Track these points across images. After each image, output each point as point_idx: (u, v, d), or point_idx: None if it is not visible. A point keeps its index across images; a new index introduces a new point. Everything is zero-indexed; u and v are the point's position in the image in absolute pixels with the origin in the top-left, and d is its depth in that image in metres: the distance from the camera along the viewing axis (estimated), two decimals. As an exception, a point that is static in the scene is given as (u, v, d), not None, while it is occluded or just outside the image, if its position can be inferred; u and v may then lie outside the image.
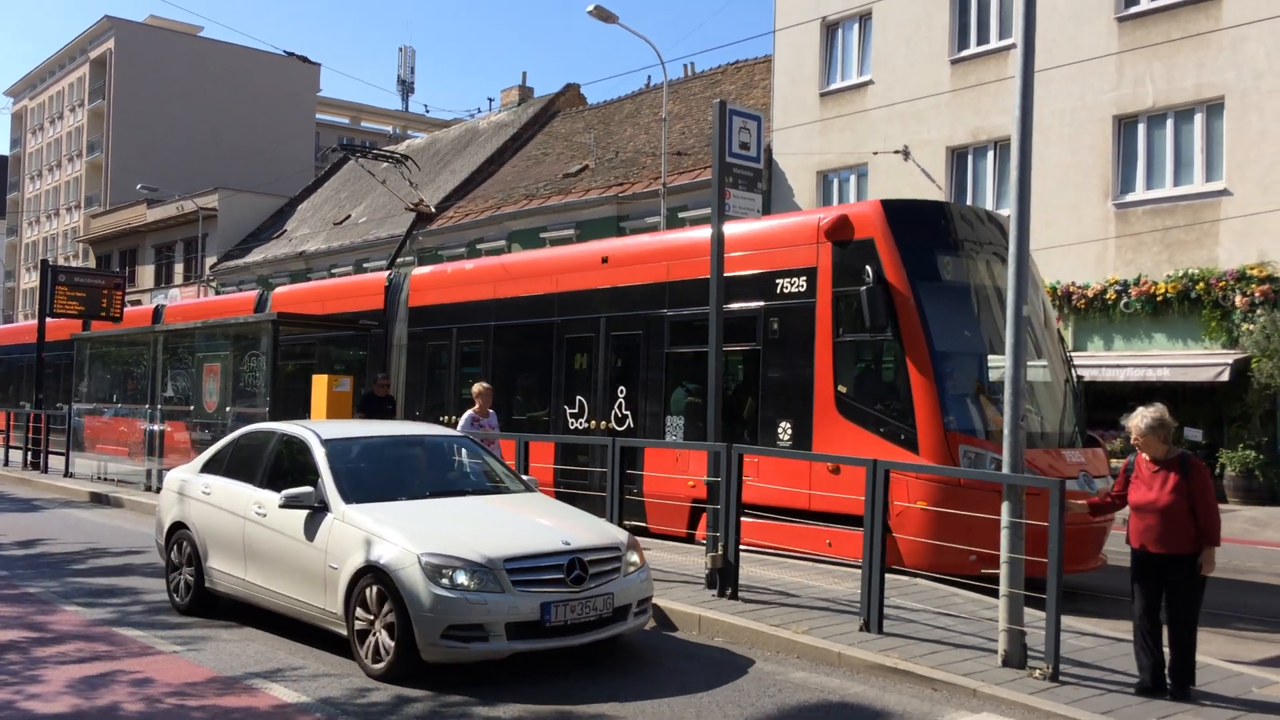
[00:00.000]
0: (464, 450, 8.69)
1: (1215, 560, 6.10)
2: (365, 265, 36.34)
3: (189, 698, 6.16)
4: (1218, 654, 7.38)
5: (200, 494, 8.45)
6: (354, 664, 6.82)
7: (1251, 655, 7.66)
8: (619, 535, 7.26)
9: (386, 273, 17.13)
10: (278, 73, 47.65)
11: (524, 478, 8.54)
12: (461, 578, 6.35)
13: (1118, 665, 6.77)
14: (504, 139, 36.57)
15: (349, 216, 40.17)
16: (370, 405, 13.94)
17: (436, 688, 6.28)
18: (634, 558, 7.09)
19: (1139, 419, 6.36)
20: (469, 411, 11.86)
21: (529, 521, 7.36)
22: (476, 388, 11.97)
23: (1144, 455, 6.37)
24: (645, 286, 12.24)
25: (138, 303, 45.11)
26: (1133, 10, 19.30)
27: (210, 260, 45.33)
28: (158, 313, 22.54)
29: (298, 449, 7.94)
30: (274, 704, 6.08)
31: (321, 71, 60.50)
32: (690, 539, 11.25)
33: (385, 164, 22.30)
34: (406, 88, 67.18)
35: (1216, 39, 18.09)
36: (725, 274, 9.78)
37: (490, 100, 68.65)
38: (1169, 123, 18.91)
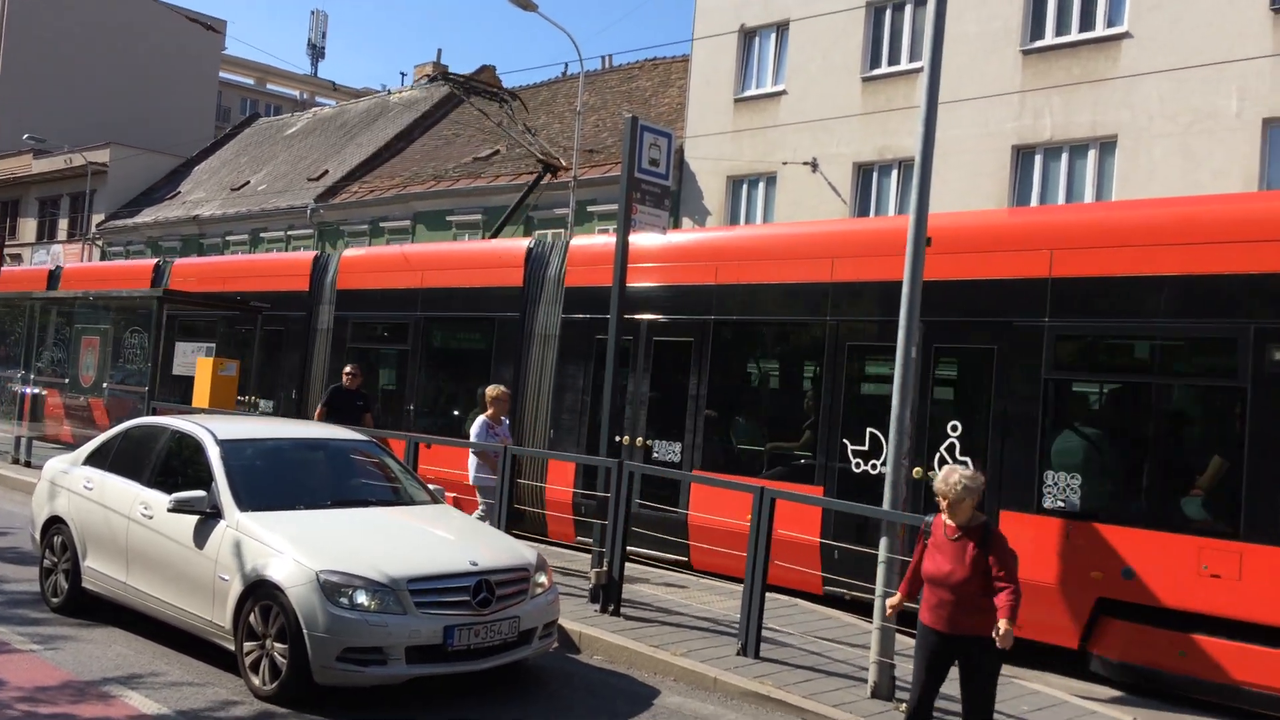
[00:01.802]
0: (369, 456, 8.49)
1: (1012, 638, 5.34)
2: (262, 235, 35.44)
3: (40, 704, 5.99)
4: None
5: (81, 488, 8.17)
6: (220, 672, 6.73)
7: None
8: (528, 555, 7.17)
9: (526, 241, 13.92)
10: (182, 27, 46.01)
11: (430, 488, 8.41)
12: (361, 598, 6.23)
13: (978, 698, 7.10)
14: (414, 116, 35.98)
15: (248, 183, 39.07)
16: (338, 401, 11.99)
17: (324, 711, 6.19)
18: (542, 578, 7.05)
19: (953, 478, 5.63)
20: (481, 417, 10.35)
21: (435, 538, 7.23)
22: (491, 390, 10.49)
23: (945, 519, 5.73)
24: (1002, 284, 8.96)
25: (18, 258, 43.12)
26: (1037, 44, 19.96)
27: (98, 218, 43.59)
28: (159, 271, 18.99)
29: (190, 447, 7.72)
30: (130, 714, 5.96)
31: (228, 29, 58.55)
32: (1082, 654, 8.26)
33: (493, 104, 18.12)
34: (317, 53, 65.41)
35: (1113, 80, 18.86)
36: (1178, 273, 7.65)
37: (403, 75, 67.22)
38: (1064, 156, 19.64)
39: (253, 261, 21.90)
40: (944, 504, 5.67)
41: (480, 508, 10.14)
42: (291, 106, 61.58)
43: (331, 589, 6.24)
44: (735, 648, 7.71)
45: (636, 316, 11.35)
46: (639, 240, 10.57)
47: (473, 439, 10.26)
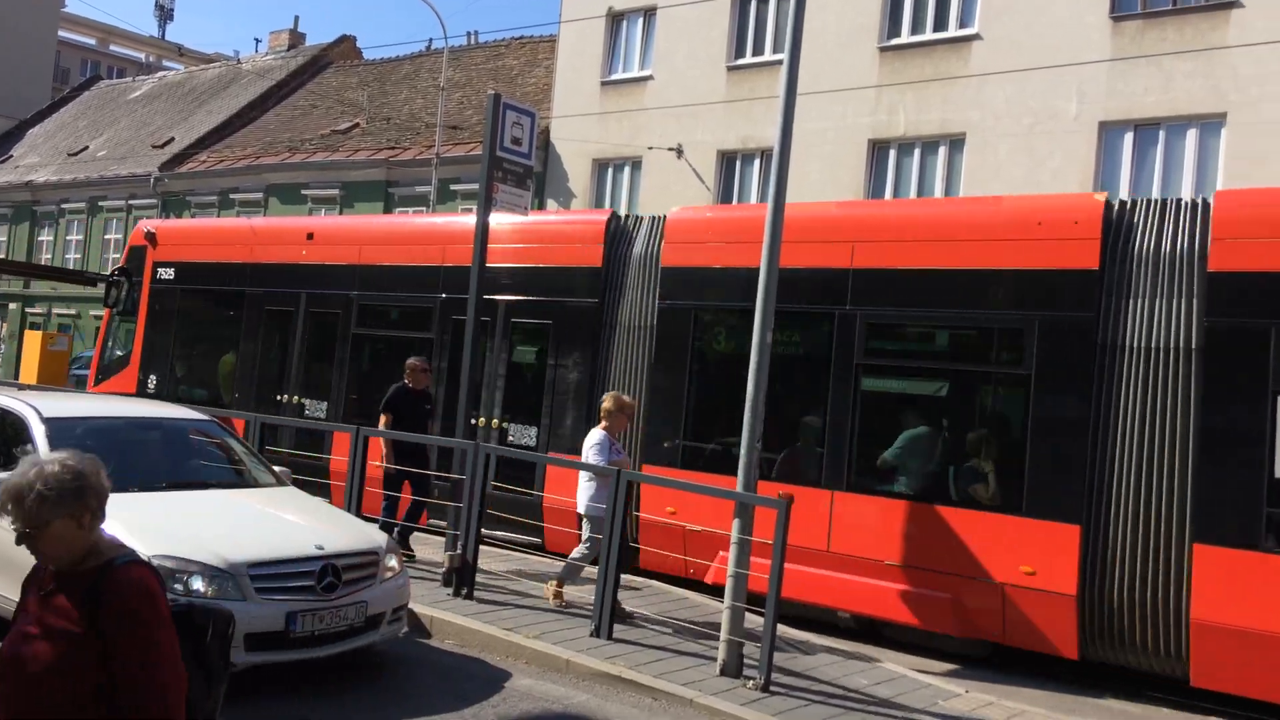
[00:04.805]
0: (210, 436, 8.14)
1: None
2: (101, 204, 33.65)
3: None
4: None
5: (-115, 468, 7.57)
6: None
7: None
8: (378, 538, 7.04)
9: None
10: (15, -21, 43.18)
11: (276, 469, 8.12)
12: (197, 584, 5.99)
13: (825, 675, 7.30)
14: (269, 85, 34.63)
15: (87, 148, 36.96)
16: (400, 403, 9.78)
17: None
18: (392, 562, 6.93)
19: (33, 482, 2.83)
20: (598, 431, 8.60)
21: (280, 521, 7.02)
22: (611, 399, 8.74)
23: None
24: None
25: None
26: (894, 42, 20.56)
27: (-82, 179, 40.51)
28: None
29: (13, 426, 7.26)
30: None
31: (67, -17, 55.06)
32: None
33: None
34: (165, 14, 62.22)
35: (964, 79, 19.58)
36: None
37: (257, 41, 64.60)
38: (916, 151, 20.31)
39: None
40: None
41: (584, 545, 8.42)
42: (136, 70, 58.50)
43: (165, 574, 5.94)
44: (589, 629, 7.71)
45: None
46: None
47: (591, 458, 8.40)
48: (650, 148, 23.20)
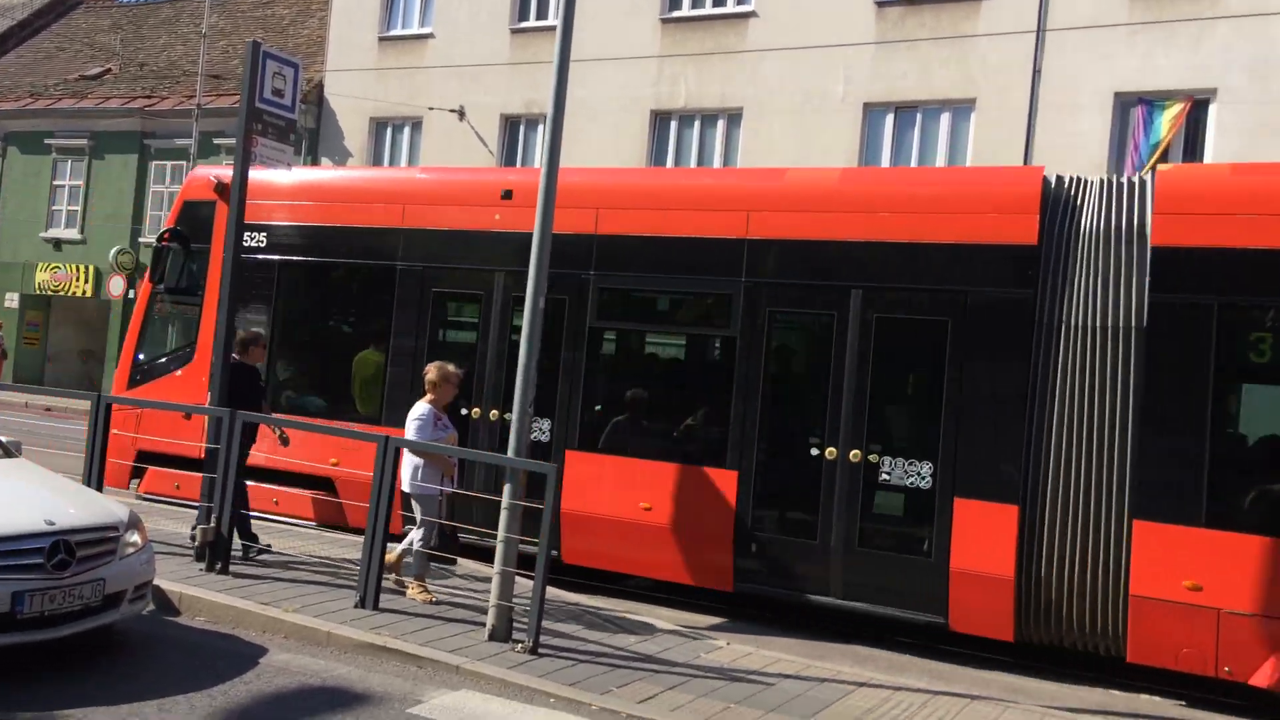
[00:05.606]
0: None
1: None
2: None
3: None
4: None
5: None
6: None
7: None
8: (119, 513, 6.58)
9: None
10: None
11: (4, 440, 7.43)
12: None
13: (594, 635, 7.38)
14: (9, 24, 31.49)
15: None
16: (236, 379, 8.64)
17: None
18: (135, 538, 6.49)
19: None
20: (424, 405, 8.09)
21: (5, 495, 6.45)
22: (436, 370, 8.19)
23: None
24: None
25: None
26: (675, 14, 20.83)
27: None
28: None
29: None
30: None
31: None
32: None
33: None
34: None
35: (741, 55, 20.09)
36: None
37: (-3, -29, 58.57)
38: (696, 124, 20.72)
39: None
40: None
41: (418, 529, 7.92)
42: None
43: None
44: (354, 600, 7.48)
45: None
46: None
47: (413, 434, 7.89)
48: (431, 108, 22.63)
